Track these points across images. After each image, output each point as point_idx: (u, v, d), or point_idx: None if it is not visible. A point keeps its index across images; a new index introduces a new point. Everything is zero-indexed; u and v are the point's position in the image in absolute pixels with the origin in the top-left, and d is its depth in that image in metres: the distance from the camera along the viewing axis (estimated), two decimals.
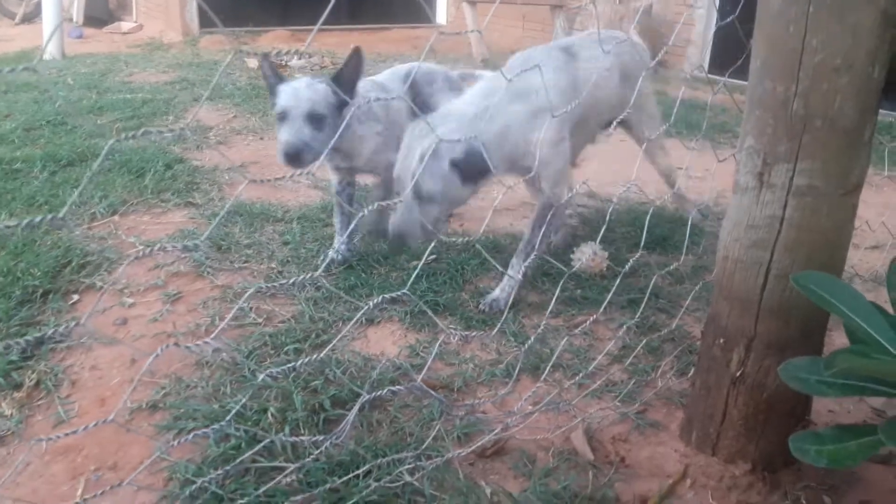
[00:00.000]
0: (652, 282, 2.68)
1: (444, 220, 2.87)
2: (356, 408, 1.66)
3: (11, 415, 2.29)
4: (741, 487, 1.96)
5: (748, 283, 1.85)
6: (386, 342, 2.67)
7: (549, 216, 2.78)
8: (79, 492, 1.96)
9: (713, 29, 8.06)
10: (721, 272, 1.93)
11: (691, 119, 6.05)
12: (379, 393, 1.69)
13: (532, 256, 2.66)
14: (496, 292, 2.89)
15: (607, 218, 2.60)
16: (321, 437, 1.62)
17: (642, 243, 2.62)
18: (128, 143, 4.96)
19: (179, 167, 4.38)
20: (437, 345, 2.60)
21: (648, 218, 2.79)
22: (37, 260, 3.12)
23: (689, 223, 2.87)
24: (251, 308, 2.81)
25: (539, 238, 2.82)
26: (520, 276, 2.84)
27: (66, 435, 1.40)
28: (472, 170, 2.47)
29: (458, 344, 2.67)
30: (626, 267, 2.40)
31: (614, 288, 2.49)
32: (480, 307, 2.84)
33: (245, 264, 3.19)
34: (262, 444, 1.83)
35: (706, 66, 8.47)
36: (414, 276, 2.90)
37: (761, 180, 1.77)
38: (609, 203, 4.00)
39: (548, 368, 2.35)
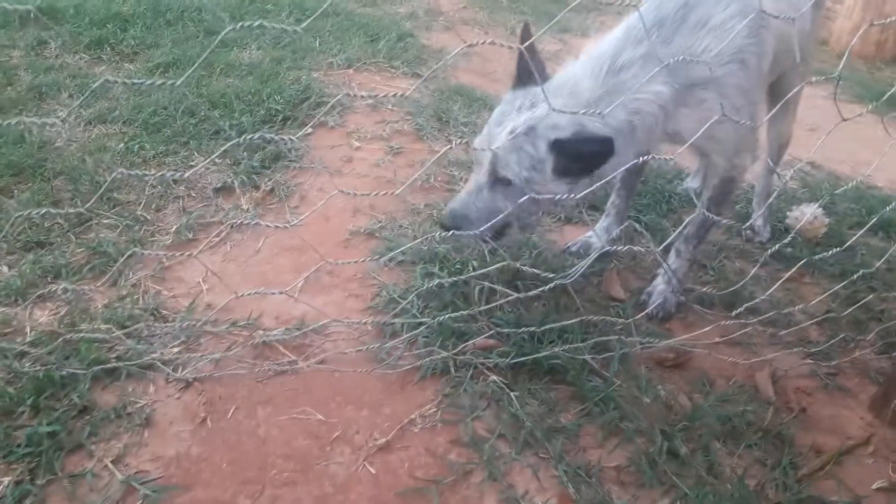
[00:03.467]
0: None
1: (528, 221, 2.09)
2: (594, 254, 1.75)
3: (249, 210, 2.58)
4: None
5: None
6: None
7: (731, 192, 2.24)
8: (300, 283, 2.20)
9: None
10: None
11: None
12: (619, 248, 1.78)
13: (699, 245, 2.22)
14: (660, 286, 2.37)
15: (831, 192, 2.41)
16: (551, 275, 1.72)
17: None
18: (365, 9, 5.21)
19: (410, 40, 4.55)
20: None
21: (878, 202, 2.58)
22: (280, 89, 3.41)
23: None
24: (461, 178, 2.95)
25: (714, 223, 2.30)
26: (685, 267, 2.38)
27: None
28: (578, 160, 1.80)
29: (652, 263, 2.67)
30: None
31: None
32: (649, 311, 2.31)
33: (461, 139, 3.32)
34: (491, 268, 1.93)
35: None
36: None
37: None
38: (835, 178, 3.76)
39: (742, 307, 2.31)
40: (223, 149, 2.65)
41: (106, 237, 2.34)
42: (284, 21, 4.56)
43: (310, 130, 3.18)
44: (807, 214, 2.92)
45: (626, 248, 1.77)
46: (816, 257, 2.16)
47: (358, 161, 2.97)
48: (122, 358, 1.85)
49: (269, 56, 3.90)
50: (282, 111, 3.24)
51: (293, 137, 1.64)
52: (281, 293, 1.87)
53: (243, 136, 1.44)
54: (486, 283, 2.15)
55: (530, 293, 1.79)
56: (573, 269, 1.87)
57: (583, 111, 1.63)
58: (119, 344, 1.92)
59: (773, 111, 2.21)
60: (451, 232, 1.79)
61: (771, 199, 2.84)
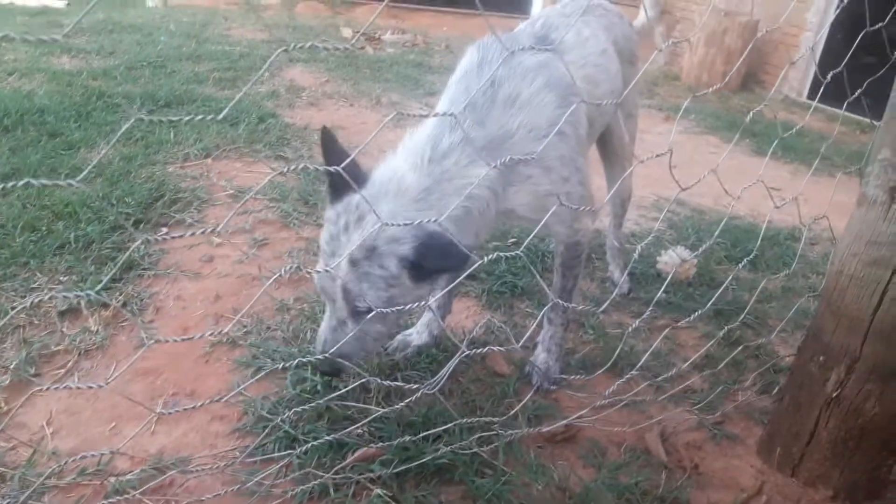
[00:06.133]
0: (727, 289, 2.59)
1: (394, 332, 2.08)
2: (454, 360, 1.64)
3: (97, 331, 2.36)
4: None
5: (861, 302, 1.77)
6: (461, 315, 2.65)
7: (580, 255, 2.21)
8: (156, 410, 2.01)
9: (819, 53, 7.77)
10: (832, 287, 1.85)
11: (786, 142, 5.85)
12: (478, 350, 1.67)
13: (569, 309, 2.13)
14: (541, 356, 2.34)
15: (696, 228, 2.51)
16: (415, 386, 1.61)
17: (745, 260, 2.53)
18: (223, 93, 5.07)
19: (272, 121, 4.44)
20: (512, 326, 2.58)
21: (740, 232, 2.69)
22: (131, 190, 3.21)
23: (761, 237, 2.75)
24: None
25: (574, 284, 2.28)
26: (561, 333, 2.35)
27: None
28: (434, 263, 1.66)
29: (534, 329, 2.63)
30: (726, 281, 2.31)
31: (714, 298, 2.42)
32: (534, 382, 2.28)
33: (289, 268, 3.19)
34: (357, 383, 1.82)
35: (805, 92, 8.18)
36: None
37: (893, 195, 1.68)
38: (699, 213, 3.90)
39: (620, 366, 2.30)
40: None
41: None
42: (136, 113, 4.35)
43: (165, 231, 2.99)
44: (675, 258, 2.98)
45: (486, 349, 1.70)
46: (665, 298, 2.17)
47: (220, 259, 2.80)
48: None
49: (119, 154, 3.68)
50: (133, 214, 3.03)
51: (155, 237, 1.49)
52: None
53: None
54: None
55: (396, 406, 1.68)
56: (437, 376, 1.77)
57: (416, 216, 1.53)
58: None
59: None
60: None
61: (643, 250, 2.88)
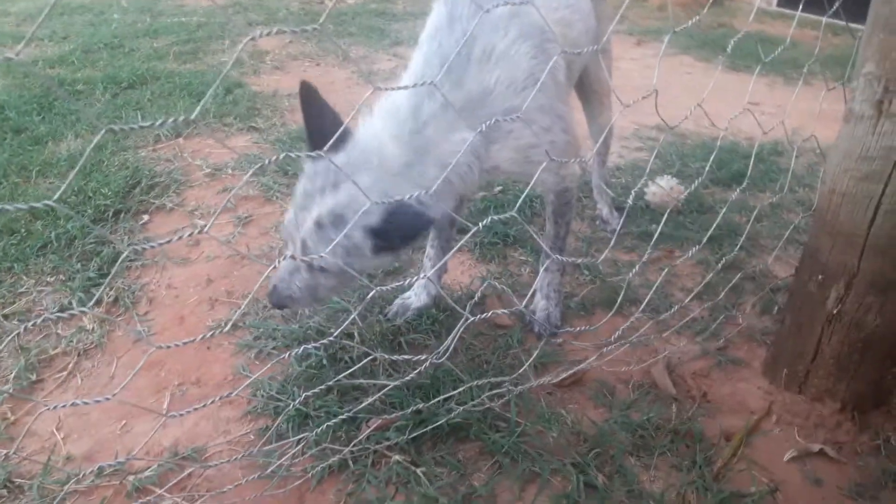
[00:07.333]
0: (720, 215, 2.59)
1: (349, 286, 2.04)
2: (460, 326, 1.63)
3: (93, 329, 2.33)
4: (829, 426, 1.91)
5: (855, 218, 1.76)
6: (456, 271, 2.64)
7: (570, 201, 2.19)
8: (165, 404, 2.00)
9: None
10: (825, 205, 1.84)
11: (759, 54, 5.79)
12: (482, 316, 1.65)
13: (562, 258, 2.10)
14: (541, 303, 2.34)
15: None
16: (423, 357, 1.60)
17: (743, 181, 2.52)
18: (185, 66, 4.94)
19: (239, 91, 4.34)
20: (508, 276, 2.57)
21: (723, 153, 2.67)
22: (106, 180, 3.14)
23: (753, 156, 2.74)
24: None
25: (567, 230, 2.27)
26: (557, 279, 2.35)
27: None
28: (399, 237, 1.63)
29: (530, 276, 2.63)
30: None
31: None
32: (537, 331, 2.29)
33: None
34: (366, 360, 1.82)
35: (775, 0, 8.06)
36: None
37: (880, 109, 1.66)
38: (681, 137, 3.87)
39: (621, 302, 2.31)
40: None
41: None
42: (100, 99, 4.24)
43: (146, 218, 2.94)
44: (663, 186, 2.97)
45: (490, 313, 1.68)
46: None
47: (206, 242, 2.76)
48: None
49: (88, 143, 3.59)
50: (112, 205, 2.97)
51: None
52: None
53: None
54: (362, 349, 2.03)
55: (406, 377, 1.67)
56: (443, 345, 1.77)
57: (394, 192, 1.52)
58: None
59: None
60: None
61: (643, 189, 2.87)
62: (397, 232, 1.60)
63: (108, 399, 1.24)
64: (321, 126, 1.71)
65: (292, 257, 1.64)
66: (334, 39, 5.65)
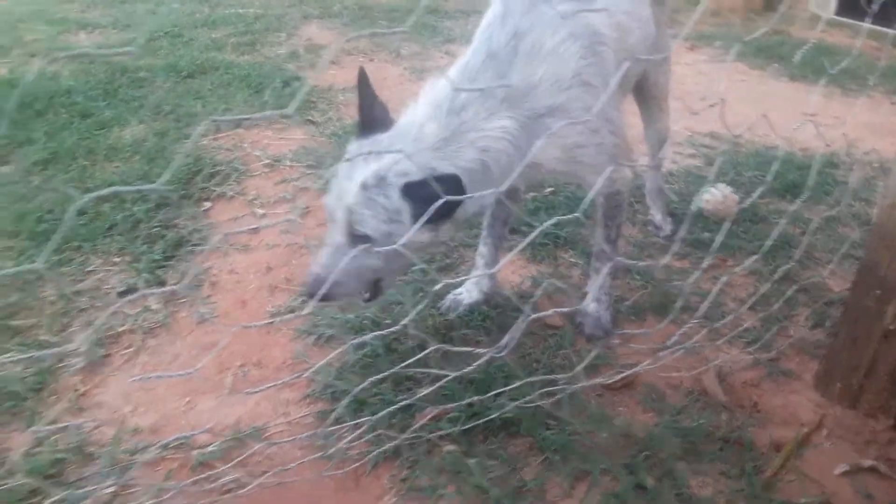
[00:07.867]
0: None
1: (393, 273, 1.98)
2: (521, 320, 1.68)
3: (158, 310, 2.43)
4: (881, 442, 1.91)
5: None
6: (506, 270, 2.68)
7: (620, 204, 2.20)
8: (228, 382, 2.08)
9: None
10: (885, 220, 1.84)
11: (816, 63, 5.70)
12: (543, 314, 1.70)
13: (613, 261, 2.13)
14: (591, 305, 2.34)
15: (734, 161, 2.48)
16: (484, 351, 1.65)
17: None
18: (243, 58, 5.05)
19: (296, 84, 4.42)
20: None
21: (779, 163, 2.66)
22: (169, 166, 3.25)
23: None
24: None
25: (618, 234, 2.28)
26: (608, 282, 2.35)
27: None
28: (434, 203, 1.48)
29: (580, 278, 2.65)
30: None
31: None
32: (587, 332, 2.31)
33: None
34: (430, 350, 1.86)
35: (832, 7, 7.91)
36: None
37: None
38: (735, 145, 3.85)
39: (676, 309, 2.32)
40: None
41: (10, 374, 2.15)
42: (162, 86, 4.37)
43: (208, 205, 3.04)
44: (717, 195, 2.97)
45: (550, 312, 1.72)
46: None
47: (265, 231, 2.85)
48: None
49: (151, 130, 3.71)
50: (175, 190, 3.08)
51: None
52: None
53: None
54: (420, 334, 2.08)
55: (464, 370, 1.72)
56: (503, 340, 1.81)
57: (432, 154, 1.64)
58: (46, 497, 1.76)
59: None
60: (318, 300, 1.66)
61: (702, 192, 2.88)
62: (431, 193, 1.49)
63: (189, 373, 1.32)
64: (371, 112, 1.85)
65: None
66: (386, 34, 5.73)
